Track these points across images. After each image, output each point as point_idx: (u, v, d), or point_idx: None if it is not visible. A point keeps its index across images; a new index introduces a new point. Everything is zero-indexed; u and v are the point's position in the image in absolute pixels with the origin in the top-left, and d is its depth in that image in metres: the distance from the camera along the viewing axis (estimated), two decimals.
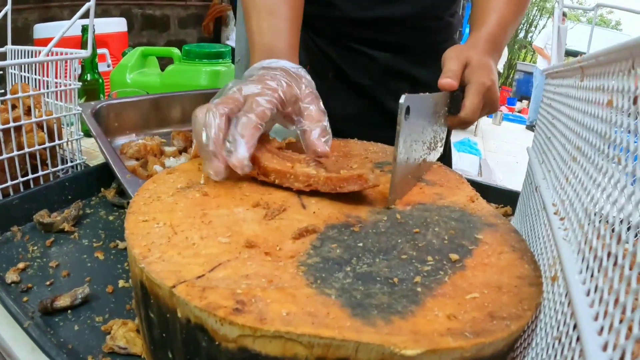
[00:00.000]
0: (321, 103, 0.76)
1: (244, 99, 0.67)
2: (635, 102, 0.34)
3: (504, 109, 9.62)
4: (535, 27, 12.98)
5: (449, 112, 0.86)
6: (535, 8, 12.98)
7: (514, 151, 6.64)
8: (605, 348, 0.29)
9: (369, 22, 1.19)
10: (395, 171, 0.61)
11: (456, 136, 6.34)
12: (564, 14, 1.24)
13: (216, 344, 0.40)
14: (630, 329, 0.26)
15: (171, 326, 0.44)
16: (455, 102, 0.85)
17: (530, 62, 12.28)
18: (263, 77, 0.72)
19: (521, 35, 13.11)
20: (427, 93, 0.72)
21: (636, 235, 0.30)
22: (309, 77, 0.80)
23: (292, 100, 0.72)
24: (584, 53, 0.74)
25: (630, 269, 0.28)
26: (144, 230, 0.51)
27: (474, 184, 0.90)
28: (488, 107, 0.90)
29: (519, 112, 10.19)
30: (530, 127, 8.33)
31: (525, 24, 13.04)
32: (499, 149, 6.84)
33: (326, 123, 0.74)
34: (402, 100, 0.59)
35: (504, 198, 1.07)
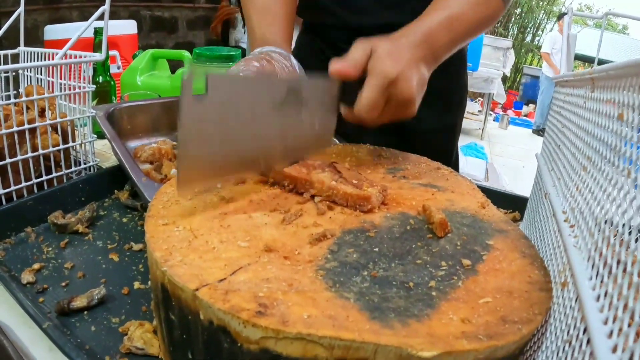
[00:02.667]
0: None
1: None
2: None
3: (510, 113, 9.61)
4: (543, 30, 12.95)
5: (346, 105, 0.77)
6: (543, 12, 12.96)
7: (520, 155, 6.64)
8: (614, 350, 0.30)
9: (371, 28, 1.20)
10: (179, 159, 0.55)
11: (462, 140, 6.34)
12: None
13: (238, 345, 0.41)
14: (638, 333, 0.27)
15: (192, 328, 0.46)
16: (350, 92, 0.75)
17: (537, 65, 12.26)
18: (249, 59, 0.77)
19: (528, 39, 13.10)
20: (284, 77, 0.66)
21: None
22: (295, 60, 0.84)
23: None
24: (592, 57, 0.75)
25: (639, 276, 0.30)
26: (164, 234, 0.52)
27: (483, 189, 0.91)
28: (396, 106, 0.78)
29: (526, 115, 10.17)
30: (537, 132, 8.31)
31: (533, 28, 13.02)
32: (505, 153, 6.83)
33: None
34: (185, 76, 0.51)
35: (512, 203, 1.07)
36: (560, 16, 9.34)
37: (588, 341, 0.34)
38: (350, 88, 0.75)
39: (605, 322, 0.33)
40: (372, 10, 1.17)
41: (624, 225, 0.36)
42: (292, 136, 0.70)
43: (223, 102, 0.57)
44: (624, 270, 0.32)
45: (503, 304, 0.45)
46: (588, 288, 0.38)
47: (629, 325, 0.29)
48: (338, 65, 0.74)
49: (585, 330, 0.35)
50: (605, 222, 0.40)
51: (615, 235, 0.37)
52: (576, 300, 0.40)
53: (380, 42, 0.77)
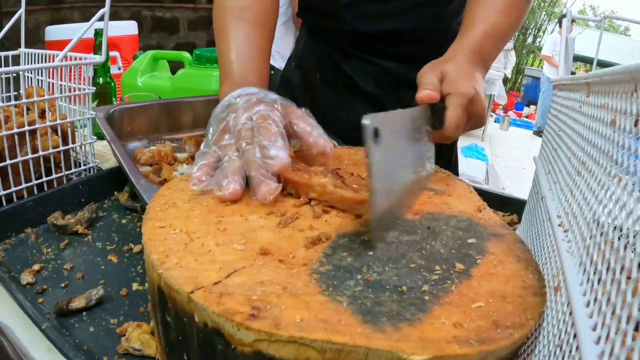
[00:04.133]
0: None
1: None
2: (636, 124, 0.35)
3: (511, 114, 9.61)
4: (544, 32, 12.96)
5: (432, 127, 0.78)
6: (544, 13, 12.97)
7: (521, 157, 6.65)
8: (601, 356, 0.30)
9: (376, 35, 1.20)
10: (374, 205, 0.53)
11: (463, 141, 6.34)
12: (572, 20, 1.26)
13: (232, 348, 0.42)
14: (624, 340, 0.28)
15: (188, 330, 0.46)
16: (437, 115, 0.78)
17: (538, 67, 12.26)
18: (260, 101, 0.74)
19: (529, 40, 13.10)
20: (398, 109, 0.64)
21: (633, 252, 0.31)
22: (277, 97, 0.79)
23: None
24: (592, 59, 0.76)
25: (626, 284, 0.30)
26: (161, 237, 0.53)
27: (481, 192, 0.91)
28: (473, 119, 0.83)
29: (527, 117, 10.19)
30: (538, 133, 8.32)
31: (534, 29, 13.03)
32: (506, 155, 6.84)
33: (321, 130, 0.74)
34: (366, 121, 0.49)
35: (510, 206, 1.08)
36: (561, 18, 9.34)
37: (577, 347, 0.34)
38: (433, 112, 0.78)
39: (594, 329, 0.33)
40: (380, 17, 1.17)
41: (614, 231, 0.36)
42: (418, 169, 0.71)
43: (389, 141, 0.58)
44: (613, 278, 0.33)
45: (496, 308, 0.45)
46: (579, 294, 0.39)
47: (616, 332, 0.30)
48: (426, 92, 0.77)
49: (575, 336, 0.36)
50: (597, 228, 0.41)
51: (605, 242, 0.37)
52: (568, 305, 0.40)
53: (446, 65, 0.83)
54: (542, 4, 12.97)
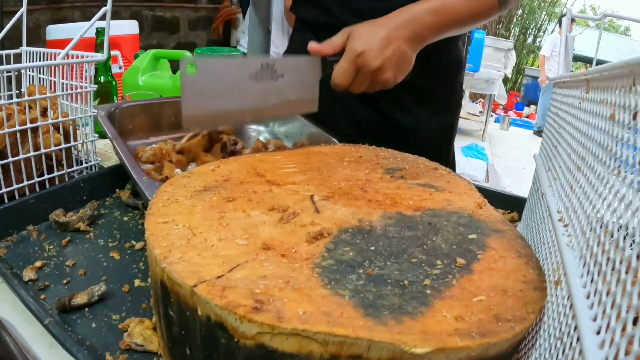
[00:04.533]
0: None
1: None
2: (635, 117, 0.36)
3: (511, 114, 9.61)
4: (544, 32, 12.95)
5: (326, 76, 0.97)
6: (544, 13, 12.96)
7: (521, 156, 6.65)
8: (602, 346, 0.30)
9: None
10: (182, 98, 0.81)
11: (463, 141, 6.35)
12: (572, 21, 1.26)
13: (235, 341, 0.42)
14: (624, 328, 0.28)
15: (191, 324, 0.46)
16: (330, 67, 0.97)
17: (538, 67, 12.27)
18: None
19: (529, 40, 13.10)
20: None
21: (632, 243, 0.31)
22: None
23: None
24: (592, 59, 0.76)
25: (626, 273, 0.30)
26: (163, 232, 0.53)
27: (482, 190, 0.91)
28: (366, 74, 0.96)
29: (527, 117, 10.18)
30: (538, 133, 8.32)
31: (534, 29, 13.03)
32: (506, 154, 6.84)
33: None
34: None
35: (511, 204, 1.08)
36: (561, 18, 9.34)
37: (578, 338, 0.34)
38: (330, 65, 0.96)
39: (595, 319, 0.34)
40: (373, 14, 1.17)
41: (613, 223, 0.36)
42: (272, 99, 0.92)
43: (210, 77, 0.83)
44: (613, 268, 0.33)
45: (497, 302, 0.46)
46: (579, 286, 0.39)
47: (616, 321, 0.30)
48: (316, 46, 0.95)
49: (576, 328, 0.36)
50: (597, 221, 0.41)
51: (605, 234, 0.37)
52: (568, 298, 0.41)
53: (359, 26, 0.97)
54: (542, 4, 12.97)
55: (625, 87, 0.40)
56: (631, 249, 0.31)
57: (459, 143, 6.11)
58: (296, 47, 1.40)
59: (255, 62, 0.89)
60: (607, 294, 0.33)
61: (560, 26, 8.56)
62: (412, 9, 0.99)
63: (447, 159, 1.41)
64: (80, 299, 0.69)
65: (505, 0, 1.04)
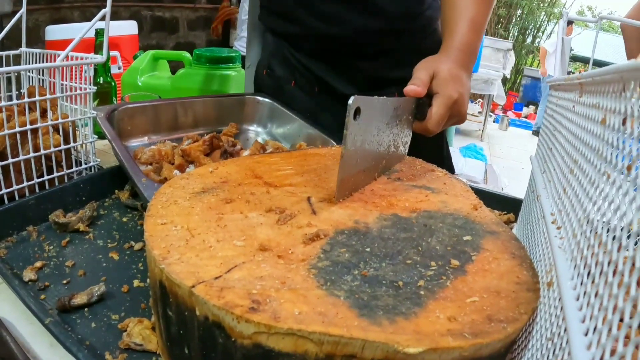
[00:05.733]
0: None
1: None
2: (624, 122, 0.36)
3: (510, 114, 9.62)
4: (543, 32, 12.95)
5: (414, 118, 0.90)
6: (543, 13, 12.96)
7: (520, 157, 6.65)
8: (589, 347, 0.31)
9: (341, 37, 1.20)
10: (342, 169, 0.65)
11: (462, 141, 6.36)
12: (570, 22, 1.27)
13: (232, 340, 0.43)
14: (610, 330, 0.29)
15: (189, 323, 0.47)
16: (421, 109, 0.89)
17: (537, 67, 12.26)
18: None
19: (528, 40, 13.09)
20: (385, 97, 0.74)
21: (620, 249, 0.32)
22: None
23: None
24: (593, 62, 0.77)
25: (613, 276, 0.31)
26: (162, 233, 0.54)
27: (479, 191, 0.92)
28: (454, 118, 0.95)
29: (526, 117, 10.18)
30: (537, 133, 8.32)
31: (533, 30, 13.02)
32: (505, 155, 6.84)
33: None
34: (350, 101, 0.62)
35: (507, 205, 1.09)
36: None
37: (567, 340, 0.35)
38: (418, 104, 0.89)
39: (583, 321, 0.35)
40: (343, 17, 1.17)
41: (602, 226, 0.37)
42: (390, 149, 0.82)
43: (368, 120, 0.70)
44: (601, 271, 0.34)
45: (490, 303, 0.47)
46: (569, 288, 0.40)
47: (603, 323, 0.31)
48: (412, 87, 0.86)
49: (566, 329, 0.37)
50: (587, 224, 0.42)
51: (595, 237, 0.38)
52: (559, 300, 0.41)
53: (438, 64, 0.92)
54: (542, 5, 12.96)
55: (616, 92, 0.41)
56: (618, 252, 0.31)
57: (457, 143, 6.12)
58: (272, 59, 1.41)
59: (391, 105, 0.80)
60: (596, 296, 0.33)
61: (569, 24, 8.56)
62: (459, 36, 1.00)
63: (440, 155, 1.41)
64: (80, 299, 0.69)
65: None
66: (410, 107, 0.87)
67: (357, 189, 0.71)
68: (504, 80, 9.48)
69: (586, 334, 0.33)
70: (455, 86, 0.90)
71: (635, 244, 0.29)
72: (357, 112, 0.64)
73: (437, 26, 1.29)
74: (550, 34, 12.10)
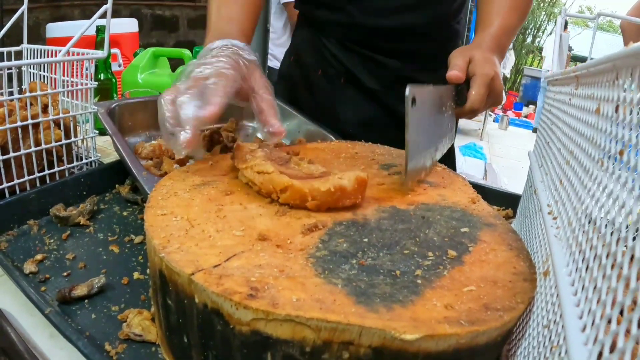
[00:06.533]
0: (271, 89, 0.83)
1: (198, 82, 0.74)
2: (617, 110, 0.37)
3: (510, 114, 9.61)
4: (543, 32, 12.94)
5: (455, 104, 0.94)
6: (544, 13, 12.94)
7: (519, 156, 6.64)
8: (584, 330, 0.32)
9: (380, 30, 1.21)
10: (408, 155, 0.68)
11: (462, 140, 6.35)
12: (567, 23, 1.27)
13: (231, 328, 0.43)
14: (603, 311, 0.29)
15: (188, 312, 0.48)
16: (461, 94, 0.94)
17: (537, 67, 12.26)
18: (216, 58, 0.79)
19: (529, 40, 13.09)
20: (431, 85, 0.78)
21: (613, 233, 0.33)
22: (252, 56, 0.85)
23: (242, 79, 0.79)
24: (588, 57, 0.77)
25: (606, 258, 0.31)
26: (162, 223, 0.54)
27: (478, 186, 0.93)
28: (493, 97, 0.98)
29: (526, 117, 10.17)
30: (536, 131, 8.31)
31: (533, 29, 13.02)
32: (504, 154, 6.84)
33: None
34: (407, 91, 0.66)
35: (506, 201, 1.09)
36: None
37: (563, 325, 0.36)
38: (458, 91, 0.94)
39: (578, 305, 0.35)
40: (390, 12, 1.18)
41: (597, 215, 0.38)
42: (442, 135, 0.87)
43: (421, 108, 0.73)
44: (595, 256, 0.34)
45: (487, 292, 0.47)
46: (565, 275, 0.40)
47: (597, 305, 0.31)
48: (454, 72, 0.92)
49: (561, 315, 0.37)
50: (582, 212, 0.42)
51: (593, 229, 0.38)
52: (555, 287, 0.42)
53: (472, 51, 0.98)
54: (542, 4, 12.96)
55: (609, 81, 0.41)
56: (611, 236, 0.32)
57: (457, 142, 6.11)
58: (301, 47, 1.41)
59: (439, 93, 0.86)
60: (590, 280, 0.34)
61: (565, 26, 8.54)
62: (492, 30, 1.05)
63: (447, 157, 1.42)
64: (80, 290, 0.70)
65: None
66: (451, 94, 0.92)
67: (421, 176, 0.75)
68: (504, 80, 9.47)
69: (581, 317, 0.33)
70: (491, 66, 0.95)
71: (627, 227, 0.30)
72: (413, 101, 0.68)
73: (458, 42, 1.33)
74: (551, 33, 12.08)
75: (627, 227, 0.29)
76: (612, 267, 0.30)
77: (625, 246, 0.29)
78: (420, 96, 0.70)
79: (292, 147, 0.84)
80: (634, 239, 0.28)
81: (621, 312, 0.27)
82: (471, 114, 0.96)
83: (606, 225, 0.34)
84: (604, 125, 0.40)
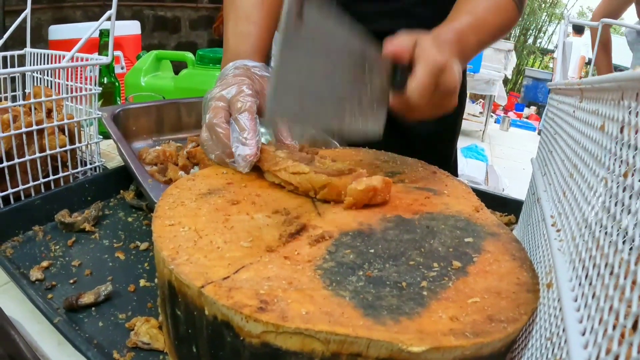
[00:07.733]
0: None
1: (228, 104, 0.79)
2: (622, 130, 0.37)
3: (512, 115, 9.60)
4: (544, 33, 12.93)
5: (393, 86, 0.75)
6: (545, 14, 12.94)
7: (521, 158, 6.63)
8: (586, 346, 0.32)
9: (370, 35, 1.21)
10: (272, 81, 0.59)
11: (463, 142, 6.34)
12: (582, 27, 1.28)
13: (241, 339, 0.44)
14: (605, 330, 0.30)
15: (197, 323, 0.48)
16: (402, 78, 0.73)
17: (538, 68, 12.25)
18: (230, 77, 0.82)
19: (530, 41, 13.08)
20: (350, 24, 0.65)
21: (616, 250, 0.33)
22: (264, 72, 0.86)
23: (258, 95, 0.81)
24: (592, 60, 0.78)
25: (609, 278, 0.32)
26: (170, 234, 0.55)
27: (481, 193, 0.93)
28: (442, 95, 0.77)
29: (527, 118, 10.16)
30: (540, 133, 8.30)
31: (534, 30, 13.01)
32: (506, 155, 6.83)
33: None
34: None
35: (508, 207, 1.10)
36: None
37: (566, 339, 0.36)
38: (398, 73, 0.74)
39: (581, 321, 0.36)
40: (374, 17, 1.18)
41: (600, 230, 0.38)
42: (353, 107, 0.71)
43: (315, 34, 0.60)
44: (598, 273, 0.35)
45: (491, 303, 0.48)
46: (568, 289, 0.41)
47: (599, 323, 0.32)
48: (392, 47, 0.73)
49: (564, 329, 0.38)
50: (586, 227, 0.43)
51: (593, 240, 0.39)
52: (558, 301, 0.43)
53: (422, 35, 0.75)
54: (543, 5, 12.95)
55: (614, 100, 0.42)
56: (614, 256, 0.32)
57: (458, 144, 6.10)
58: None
59: (356, 44, 0.68)
60: (593, 297, 0.35)
61: (574, 30, 8.52)
62: (455, 26, 0.89)
63: (449, 161, 1.42)
64: (87, 298, 0.70)
65: (521, 5, 1.02)
66: (385, 71, 0.74)
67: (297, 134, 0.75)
68: (505, 81, 9.47)
69: (583, 334, 0.34)
70: (442, 52, 0.73)
71: (630, 248, 0.30)
72: (299, 15, 0.53)
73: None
74: (552, 34, 12.08)
75: (629, 250, 0.30)
76: (615, 287, 0.30)
77: (628, 266, 0.29)
78: (314, 16, 0.56)
79: (311, 148, 0.84)
80: (635, 263, 0.28)
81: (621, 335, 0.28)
82: (408, 109, 0.75)
83: (609, 245, 0.34)
84: (609, 144, 0.41)
